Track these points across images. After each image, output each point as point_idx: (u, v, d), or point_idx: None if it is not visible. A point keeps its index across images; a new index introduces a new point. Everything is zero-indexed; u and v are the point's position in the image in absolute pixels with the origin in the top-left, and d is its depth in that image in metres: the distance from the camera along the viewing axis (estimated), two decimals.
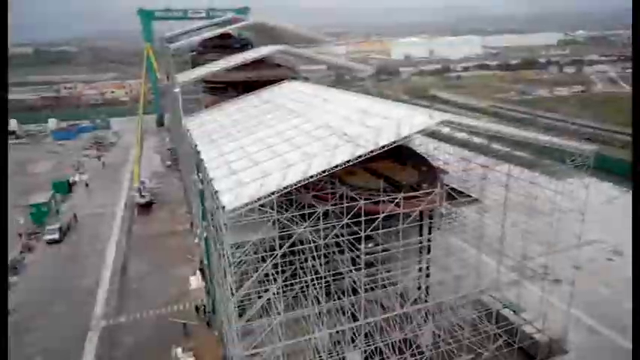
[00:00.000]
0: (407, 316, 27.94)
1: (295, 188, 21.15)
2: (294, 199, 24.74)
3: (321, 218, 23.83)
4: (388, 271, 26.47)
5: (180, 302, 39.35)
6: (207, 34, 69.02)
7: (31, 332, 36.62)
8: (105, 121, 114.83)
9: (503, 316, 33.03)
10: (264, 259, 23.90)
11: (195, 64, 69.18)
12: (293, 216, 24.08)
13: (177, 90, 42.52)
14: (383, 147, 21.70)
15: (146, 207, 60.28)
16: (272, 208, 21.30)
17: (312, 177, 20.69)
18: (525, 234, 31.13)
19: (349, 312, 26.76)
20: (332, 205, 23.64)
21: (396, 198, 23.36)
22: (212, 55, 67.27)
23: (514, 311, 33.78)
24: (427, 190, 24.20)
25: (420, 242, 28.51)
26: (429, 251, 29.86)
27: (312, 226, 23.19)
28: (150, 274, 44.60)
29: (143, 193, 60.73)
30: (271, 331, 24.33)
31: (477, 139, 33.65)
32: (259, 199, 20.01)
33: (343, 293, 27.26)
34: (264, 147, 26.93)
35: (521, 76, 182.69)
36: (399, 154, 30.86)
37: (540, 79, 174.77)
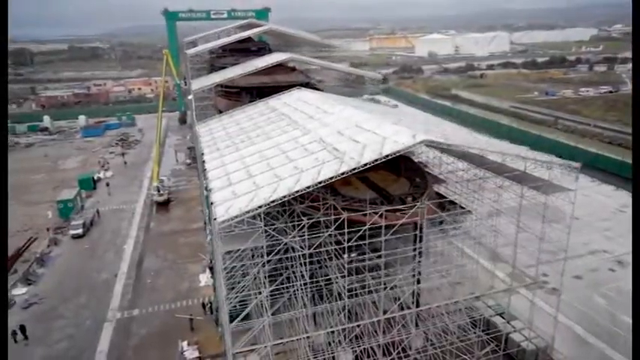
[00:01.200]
0: (395, 319, 29.45)
1: (288, 199, 22.92)
2: (286, 209, 26.57)
3: (312, 227, 25.61)
4: (378, 277, 28.00)
5: (190, 298, 41.92)
6: (226, 39, 71.30)
7: (56, 320, 40.03)
8: (130, 118, 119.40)
9: (493, 324, 34.08)
10: (261, 265, 25.84)
11: (212, 66, 71.88)
12: (286, 225, 25.97)
13: (190, 97, 44.91)
14: (365, 165, 23.23)
15: (164, 205, 63.39)
16: (261, 220, 23.15)
17: (297, 192, 22.43)
18: (525, 242, 31.78)
19: (339, 315, 28.48)
20: (321, 215, 25.30)
21: (379, 210, 24.89)
22: (229, 59, 69.85)
23: (505, 319, 34.74)
24: (410, 204, 25.53)
25: (414, 249, 29.69)
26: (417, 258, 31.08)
27: (300, 236, 24.97)
28: (163, 270, 47.48)
29: (161, 192, 63.84)
30: (264, 331, 26.35)
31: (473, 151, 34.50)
32: (248, 212, 21.90)
33: (335, 296, 29.02)
34: (261, 159, 28.81)
35: (548, 75, 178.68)
36: (396, 164, 32.17)
37: (567, 78, 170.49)
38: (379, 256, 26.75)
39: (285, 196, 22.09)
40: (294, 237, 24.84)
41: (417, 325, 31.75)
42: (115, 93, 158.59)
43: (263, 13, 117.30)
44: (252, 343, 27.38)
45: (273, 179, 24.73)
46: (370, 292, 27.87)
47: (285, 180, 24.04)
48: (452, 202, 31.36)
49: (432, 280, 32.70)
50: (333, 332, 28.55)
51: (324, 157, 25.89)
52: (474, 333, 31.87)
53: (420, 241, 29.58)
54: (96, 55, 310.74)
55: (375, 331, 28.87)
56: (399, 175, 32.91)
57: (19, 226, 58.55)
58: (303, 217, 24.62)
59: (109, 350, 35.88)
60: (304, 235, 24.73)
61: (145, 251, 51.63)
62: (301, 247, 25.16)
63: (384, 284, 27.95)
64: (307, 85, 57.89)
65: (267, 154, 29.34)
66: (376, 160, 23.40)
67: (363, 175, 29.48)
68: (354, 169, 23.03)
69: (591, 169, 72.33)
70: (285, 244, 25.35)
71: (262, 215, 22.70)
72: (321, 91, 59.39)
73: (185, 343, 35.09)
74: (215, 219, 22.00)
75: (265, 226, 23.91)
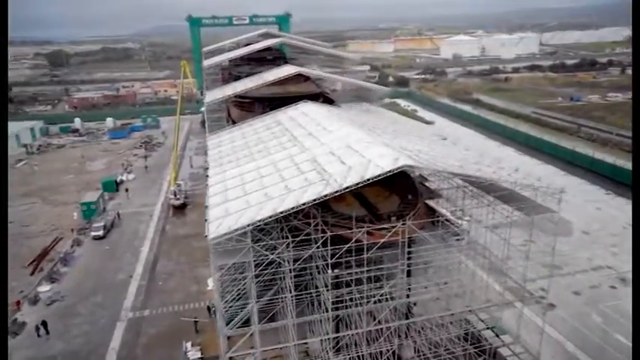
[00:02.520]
0: (383, 330, 30.79)
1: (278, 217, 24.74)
2: (278, 225, 28.40)
3: (303, 242, 27.29)
4: (363, 292, 29.46)
5: (197, 301, 44.40)
6: (242, 50, 73.66)
7: (74, 317, 43.28)
8: (155, 120, 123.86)
9: (483, 337, 34.90)
10: (256, 276, 27.79)
11: (230, 74, 74.47)
12: (276, 241, 27.77)
13: (203, 109, 47.29)
14: (347, 187, 24.81)
15: (180, 209, 66.36)
16: (248, 237, 24.99)
17: (281, 212, 24.24)
18: (528, 257, 32.33)
19: (327, 324, 30.07)
20: (311, 230, 26.93)
21: (363, 229, 26.38)
22: (245, 68, 72.27)
23: (495, 333, 35.51)
24: (393, 223, 26.88)
25: (403, 264, 30.90)
26: (409, 274, 32.29)
27: (287, 251, 26.73)
28: (175, 272, 50.26)
29: (178, 196, 66.83)
30: (255, 337, 28.31)
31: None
32: (236, 230, 23.82)
33: (324, 307, 30.63)
34: (258, 177, 30.65)
35: (576, 78, 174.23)
36: (391, 179, 33.41)
37: (596, 82, 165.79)
38: (364, 271, 28.16)
39: (268, 217, 23.88)
40: (280, 252, 26.60)
41: (406, 336, 33.00)
42: (143, 95, 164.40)
43: (284, 19, 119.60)
44: (251, 346, 29.41)
45: (262, 198, 26.54)
46: (357, 305, 29.32)
47: (274, 200, 25.83)
48: (446, 219, 32.29)
49: (424, 293, 33.77)
50: (322, 341, 30.18)
51: (312, 178, 27.52)
52: (461, 346, 32.83)
53: (407, 256, 30.78)
54: (128, 55, 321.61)
55: (359, 341, 30.33)
56: (392, 192, 34.18)
57: (48, 226, 62.74)
58: (289, 234, 26.36)
59: (120, 347, 38.72)
60: (290, 251, 26.45)
61: (160, 254, 54.59)
62: (288, 262, 26.91)
63: (372, 297, 29.36)
64: (319, 95, 59.45)
65: (263, 172, 31.16)
66: (358, 184, 24.90)
67: (358, 191, 30.95)
68: (336, 191, 24.61)
69: (607, 180, 71.22)
70: (268, 259, 27.08)
71: (249, 233, 24.53)
72: (333, 101, 60.95)
73: (189, 344, 37.52)
74: (206, 236, 24.03)
75: (256, 242, 25.79)
